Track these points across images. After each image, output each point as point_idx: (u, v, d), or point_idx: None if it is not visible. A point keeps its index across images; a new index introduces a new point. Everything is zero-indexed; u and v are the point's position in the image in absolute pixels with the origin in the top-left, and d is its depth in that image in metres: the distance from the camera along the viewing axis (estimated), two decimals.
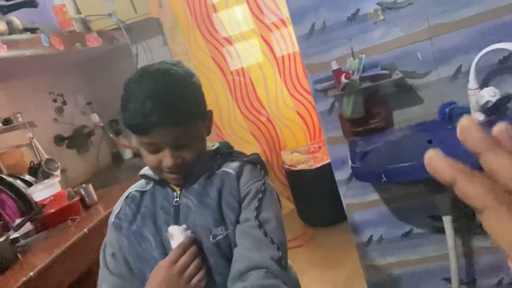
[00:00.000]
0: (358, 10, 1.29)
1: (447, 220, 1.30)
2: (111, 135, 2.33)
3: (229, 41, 2.74)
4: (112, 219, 0.91)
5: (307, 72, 1.40)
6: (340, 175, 1.50)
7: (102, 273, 0.89)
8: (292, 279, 0.92)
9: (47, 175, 1.76)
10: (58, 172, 1.79)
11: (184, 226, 0.80)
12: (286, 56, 2.77)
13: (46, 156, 1.81)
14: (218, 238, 0.80)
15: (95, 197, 1.75)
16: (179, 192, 0.86)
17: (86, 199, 1.70)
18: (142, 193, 0.91)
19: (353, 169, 1.24)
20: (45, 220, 1.52)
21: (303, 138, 2.93)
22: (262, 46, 2.75)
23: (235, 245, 0.80)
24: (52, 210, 1.53)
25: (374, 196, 1.50)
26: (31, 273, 1.19)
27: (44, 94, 2.16)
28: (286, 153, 2.87)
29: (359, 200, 1.51)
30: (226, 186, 0.83)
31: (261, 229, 0.78)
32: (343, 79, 1.24)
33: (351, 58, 1.28)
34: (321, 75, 1.38)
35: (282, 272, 0.77)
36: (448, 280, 1.50)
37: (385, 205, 1.50)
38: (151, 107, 0.74)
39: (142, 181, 0.94)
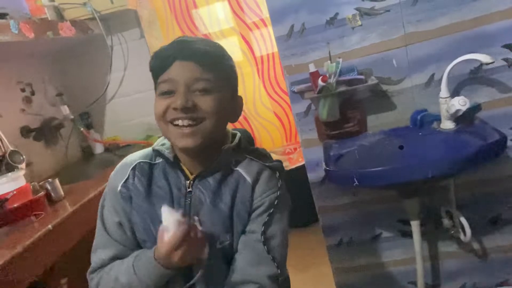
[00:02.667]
0: (337, 14, 1.30)
1: (415, 225, 1.33)
2: (81, 129, 2.25)
3: (208, 37, 2.71)
4: (118, 186, 0.84)
5: (285, 74, 1.40)
6: (314, 177, 1.51)
7: (103, 238, 0.85)
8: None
9: (11, 168, 1.68)
10: (23, 165, 1.71)
11: (179, 212, 0.73)
12: (265, 56, 2.77)
13: (11, 148, 1.73)
14: (224, 244, 0.79)
15: (62, 193, 1.68)
16: (192, 181, 0.81)
17: (52, 194, 1.63)
18: (151, 165, 0.85)
19: (326, 172, 1.24)
20: (7, 215, 1.45)
21: (279, 138, 2.94)
22: (242, 45, 2.74)
23: (236, 251, 0.79)
24: (15, 205, 1.46)
25: (346, 199, 1.51)
26: None
27: (12, 83, 2.06)
28: None
29: (331, 203, 1.53)
30: (240, 192, 0.79)
31: (265, 245, 0.77)
32: (320, 82, 1.24)
33: (329, 61, 1.29)
34: (298, 77, 1.38)
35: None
36: (414, 283, 1.53)
37: (356, 209, 1.52)
38: (184, 44, 0.76)
39: (148, 151, 0.87)
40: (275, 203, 0.79)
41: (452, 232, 1.42)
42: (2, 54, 1.86)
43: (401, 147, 1.32)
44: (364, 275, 1.59)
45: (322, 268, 2.05)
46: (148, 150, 0.88)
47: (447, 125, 1.27)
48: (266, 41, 2.73)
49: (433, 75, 1.31)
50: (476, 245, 1.48)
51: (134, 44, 2.31)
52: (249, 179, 0.79)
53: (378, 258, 1.56)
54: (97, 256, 0.85)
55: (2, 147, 1.72)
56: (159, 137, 0.90)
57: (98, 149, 2.37)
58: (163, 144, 0.86)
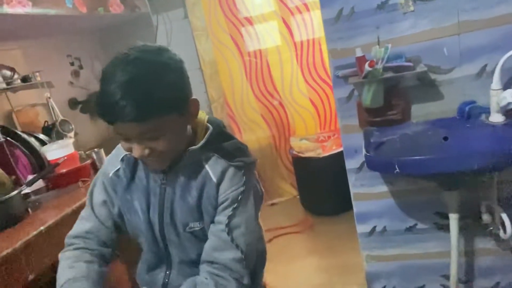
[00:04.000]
0: None
1: (453, 218, 1.31)
2: None
3: (249, 21, 2.72)
4: (110, 173, 0.94)
5: (330, 57, 1.39)
6: (351, 164, 1.51)
7: (87, 212, 0.96)
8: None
9: (60, 136, 1.78)
10: (71, 134, 1.81)
11: None
12: (305, 41, 2.75)
13: (61, 117, 1.82)
14: (193, 229, 0.88)
15: None
16: (165, 175, 0.89)
17: (97, 163, 1.72)
18: (136, 158, 0.91)
19: (366, 158, 1.24)
20: (57, 179, 1.54)
21: (314, 126, 2.93)
22: (282, 29, 2.72)
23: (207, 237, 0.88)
24: (64, 170, 1.55)
25: (382, 188, 1.50)
26: (42, 228, 1.22)
27: (62, 56, 2.16)
28: (295, 139, 2.87)
29: (367, 191, 1.52)
30: (206, 190, 0.86)
31: (229, 235, 0.85)
32: (366, 67, 1.23)
33: (377, 46, 1.27)
34: (342, 62, 1.38)
35: (241, 270, 0.85)
36: (446, 277, 1.52)
37: (392, 198, 1.51)
38: (116, 100, 0.71)
39: None
40: (239, 198, 0.85)
41: (491, 228, 1.39)
42: (56, 27, 1.94)
43: (445, 138, 1.29)
44: (395, 265, 1.59)
45: (351, 257, 2.06)
46: None
47: (497, 118, 1.23)
48: (308, 26, 2.70)
49: (485, 66, 1.27)
50: None
51: (178, 24, 2.36)
52: (214, 178, 0.85)
53: (411, 249, 1.55)
54: (78, 225, 0.97)
55: (53, 116, 1.82)
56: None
57: None
58: None
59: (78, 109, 2.18)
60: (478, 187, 1.37)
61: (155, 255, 0.95)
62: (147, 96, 0.73)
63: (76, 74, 2.21)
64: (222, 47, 2.74)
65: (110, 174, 0.94)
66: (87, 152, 1.74)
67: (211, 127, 0.89)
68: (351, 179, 1.53)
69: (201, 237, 0.89)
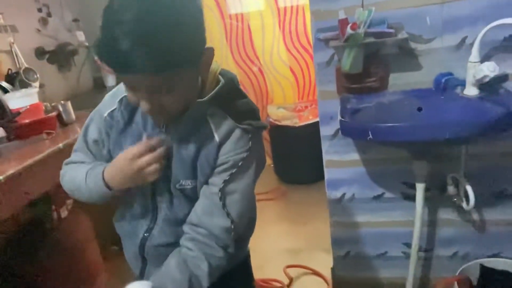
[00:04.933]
0: None
1: (420, 187, 1.34)
2: (96, 58, 2.22)
3: None
4: (105, 113, 0.87)
5: (312, 19, 1.35)
6: (326, 131, 1.50)
7: (82, 145, 0.92)
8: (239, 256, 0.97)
9: (24, 85, 1.68)
10: (36, 84, 1.71)
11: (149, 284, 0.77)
12: (288, 8, 2.67)
13: (26, 65, 1.72)
14: (184, 187, 0.82)
15: (73, 116, 1.69)
16: (165, 125, 0.82)
17: (64, 116, 1.65)
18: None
19: (341, 123, 1.23)
20: (19, 129, 1.47)
21: (292, 95, 2.91)
22: None
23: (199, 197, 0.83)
24: (27, 121, 1.47)
25: (354, 156, 1.51)
26: (0, 177, 1.16)
27: (29, 1, 2.01)
28: (272, 107, 2.85)
29: (339, 158, 1.53)
30: (205, 148, 0.79)
31: (221, 200, 0.79)
32: (348, 30, 1.20)
33: (361, 8, 1.24)
34: (325, 24, 1.34)
35: (227, 240, 0.80)
36: (408, 245, 1.57)
37: (363, 166, 1.52)
38: (128, 46, 0.61)
39: None
40: (239, 164, 0.78)
41: (455, 199, 1.43)
42: None
43: (419, 109, 1.30)
44: (361, 231, 1.63)
45: (320, 224, 2.10)
46: None
47: (471, 91, 1.24)
48: None
49: (465, 37, 1.27)
50: (475, 216, 1.50)
51: None
52: (217, 137, 0.78)
53: (377, 217, 1.59)
54: (76, 155, 0.93)
55: (17, 63, 1.71)
56: None
57: (110, 81, 2.35)
58: None
59: (46, 59, 2.06)
60: (446, 159, 1.40)
61: (141, 206, 0.89)
62: (165, 46, 0.63)
63: (44, 21, 2.07)
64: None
65: (105, 114, 0.87)
66: (52, 104, 1.65)
67: (222, 80, 0.81)
68: (325, 145, 1.53)
69: (192, 196, 0.82)
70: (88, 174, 0.85)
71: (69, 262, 1.54)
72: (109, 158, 0.88)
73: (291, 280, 1.87)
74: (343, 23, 1.24)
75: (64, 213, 1.60)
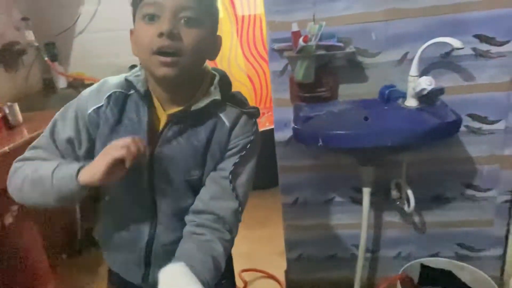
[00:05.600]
0: None
1: (366, 192, 1.43)
2: (45, 58, 2.14)
3: None
4: (89, 109, 0.83)
5: (268, 29, 1.40)
6: (280, 137, 1.56)
7: (44, 141, 0.84)
8: None
9: None
10: None
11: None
12: (246, 16, 2.73)
13: None
14: (192, 178, 0.83)
15: (20, 118, 1.62)
16: (165, 120, 0.82)
17: (10, 118, 1.57)
18: (126, 96, 0.84)
19: (294, 130, 1.29)
20: None
21: (249, 102, 2.95)
22: (225, 1, 2.67)
23: (204, 185, 0.84)
24: None
25: (307, 162, 1.58)
26: None
27: None
28: None
29: (293, 163, 1.59)
30: (216, 136, 0.82)
31: (231, 183, 0.82)
32: (300, 42, 1.26)
33: (312, 22, 1.31)
34: (279, 35, 1.40)
35: (233, 222, 0.83)
36: (356, 246, 1.65)
37: (315, 172, 1.59)
38: None
39: (122, 80, 0.86)
40: (248, 146, 0.83)
41: (398, 203, 1.54)
42: None
43: (366, 118, 1.39)
44: (313, 234, 1.70)
45: (275, 228, 2.15)
46: (121, 78, 0.87)
47: (411, 102, 1.35)
48: (250, 1, 2.68)
49: (406, 53, 1.38)
50: (416, 218, 1.62)
51: None
52: (227, 123, 0.82)
53: (328, 220, 1.66)
54: (35, 152, 0.83)
55: None
56: None
57: (61, 83, 2.27)
58: (137, 75, 0.85)
59: None
60: (390, 165, 1.50)
61: (140, 208, 0.86)
62: None
63: None
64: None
65: (89, 111, 0.83)
66: None
67: (217, 74, 0.86)
68: (279, 151, 1.58)
69: (197, 188, 0.84)
70: (57, 169, 0.77)
71: (14, 271, 1.47)
72: (87, 157, 0.83)
73: (245, 284, 1.90)
74: (296, 35, 1.30)
75: (8, 220, 1.52)
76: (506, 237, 1.60)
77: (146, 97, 0.82)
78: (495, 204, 1.55)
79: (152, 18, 0.74)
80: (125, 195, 0.86)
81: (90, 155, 0.84)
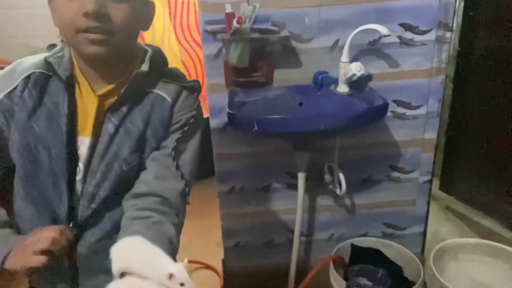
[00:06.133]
0: None
1: (301, 177, 1.45)
2: None
3: None
4: None
5: (200, 10, 1.34)
6: (215, 123, 1.51)
7: None
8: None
9: None
10: None
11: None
12: (180, 1, 2.62)
13: None
14: (131, 165, 0.76)
15: None
16: (96, 104, 0.75)
17: None
18: (47, 77, 0.75)
19: (228, 115, 1.26)
20: None
21: None
22: None
23: (145, 168, 0.78)
24: None
25: (243, 149, 1.56)
26: None
27: None
28: None
29: (229, 151, 1.56)
30: (157, 113, 0.77)
31: (174, 161, 0.77)
32: (234, 23, 1.22)
33: (246, 3, 1.27)
34: (213, 17, 1.34)
35: (180, 204, 0.78)
36: (292, 231, 1.68)
37: (251, 158, 1.58)
38: None
39: (41, 61, 0.76)
40: (190, 121, 0.80)
41: (331, 186, 1.58)
42: None
43: (300, 104, 1.40)
44: (249, 221, 1.69)
45: (213, 218, 2.11)
46: (41, 58, 0.77)
47: (343, 88, 1.39)
48: None
49: (338, 40, 1.40)
50: (347, 201, 1.68)
51: None
52: (169, 98, 0.78)
53: (264, 206, 1.67)
54: None
55: None
56: None
57: None
58: (59, 56, 0.76)
59: None
60: (323, 150, 1.54)
61: (58, 202, 0.76)
62: None
63: None
64: None
65: (1, 96, 0.74)
66: None
67: (150, 50, 0.79)
68: (215, 138, 1.54)
69: (135, 173, 0.77)
70: None
71: None
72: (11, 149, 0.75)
73: None
74: (230, 16, 1.26)
75: None
76: (427, 216, 1.74)
77: (69, 82, 0.74)
78: (417, 185, 1.67)
79: None
80: (49, 191, 0.76)
81: (3, 148, 0.76)
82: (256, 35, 1.30)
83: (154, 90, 0.78)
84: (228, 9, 1.27)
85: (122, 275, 0.61)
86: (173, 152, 0.77)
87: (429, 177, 1.65)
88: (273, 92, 1.43)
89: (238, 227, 1.70)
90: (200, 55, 2.75)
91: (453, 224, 2.19)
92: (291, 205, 1.63)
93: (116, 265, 0.61)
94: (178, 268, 0.57)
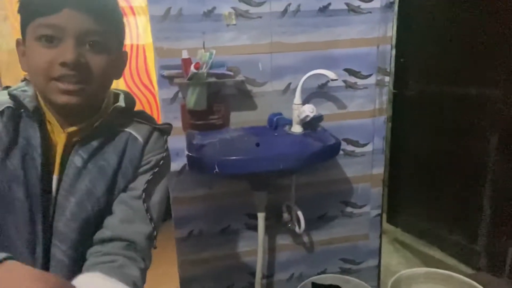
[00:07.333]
0: (214, 8, 1.35)
1: (260, 217, 1.45)
2: None
3: None
4: None
5: (155, 56, 1.36)
6: (173, 167, 1.48)
7: None
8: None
9: None
10: None
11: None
12: (128, 46, 2.62)
13: None
14: (100, 207, 0.73)
15: None
16: (64, 140, 0.72)
17: None
18: (18, 112, 0.71)
19: (188, 158, 1.25)
20: None
21: None
22: None
23: (110, 212, 0.74)
24: None
25: (201, 192, 1.54)
26: None
27: None
28: None
29: (186, 194, 1.53)
30: (128, 152, 0.75)
31: (144, 203, 0.75)
32: (192, 69, 1.25)
33: (203, 50, 1.32)
34: (168, 62, 1.37)
35: (147, 249, 0.75)
36: (253, 274, 1.65)
37: (210, 201, 1.56)
38: None
39: (3, 96, 0.72)
40: (160, 163, 0.79)
41: (289, 225, 1.60)
42: None
43: (257, 144, 1.43)
44: (209, 267, 1.63)
45: (169, 265, 2.01)
46: (5, 94, 0.73)
47: (297, 128, 1.45)
48: (132, 31, 2.60)
49: (290, 83, 1.49)
50: (306, 238, 1.71)
51: None
52: (140, 139, 0.78)
53: (224, 250, 1.63)
54: None
55: None
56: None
57: None
58: (24, 90, 0.73)
59: None
60: (281, 189, 1.57)
61: (27, 244, 0.70)
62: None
63: None
64: None
65: None
66: None
67: (121, 93, 0.81)
68: (172, 183, 1.51)
69: (101, 218, 0.74)
70: None
71: None
72: None
73: None
74: (187, 62, 1.29)
75: None
76: (379, 249, 1.81)
77: (36, 114, 0.71)
78: (369, 219, 1.74)
79: (50, 40, 0.65)
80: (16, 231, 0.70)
81: None
82: (213, 79, 1.34)
83: (127, 129, 0.78)
84: (185, 55, 1.30)
85: None
86: (143, 194, 0.75)
87: (379, 211, 1.74)
88: (230, 133, 1.45)
89: (197, 274, 1.63)
90: (149, 99, 2.73)
91: (401, 255, 2.29)
92: (251, 247, 1.62)
93: None
94: None
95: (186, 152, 1.26)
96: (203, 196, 1.54)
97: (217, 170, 1.19)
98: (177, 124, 1.44)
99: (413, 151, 2.37)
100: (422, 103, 2.25)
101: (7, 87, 0.76)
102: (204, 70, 1.28)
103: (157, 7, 1.32)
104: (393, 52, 2.29)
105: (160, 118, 1.45)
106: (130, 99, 0.82)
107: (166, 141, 0.83)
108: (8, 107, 0.71)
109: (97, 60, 0.68)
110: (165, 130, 0.83)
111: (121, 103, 0.78)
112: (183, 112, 1.42)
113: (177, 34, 1.35)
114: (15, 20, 2.24)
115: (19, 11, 0.67)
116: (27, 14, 0.66)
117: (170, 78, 1.37)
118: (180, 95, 1.41)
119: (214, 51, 1.29)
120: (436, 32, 2.10)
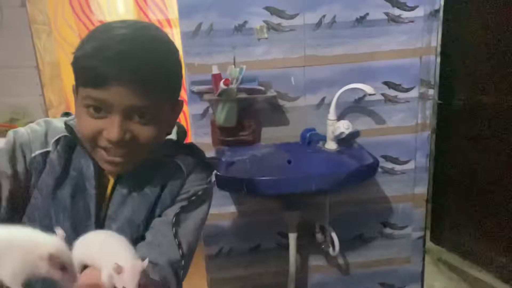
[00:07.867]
0: (245, 22, 1.31)
1: (292, 237, 1.39)
2: None
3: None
4: (34, 151, 0.69)
5: (186, 72, 1.34)
6: None
7: None
8: None
9: None
10: None
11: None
12: None
13: None
14: (140, 234, 0.71)
15: None
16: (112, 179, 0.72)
17: None
18: (73, 143, 0.71)
19: (216, 177, 1.21)
20: None
21: None
22: None
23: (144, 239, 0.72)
24: None
25: (231, 209, 1.50)
26: None
27: None
28: None
29: (216, 211, 1.49)
30: (172, 182, 0.74)
31: (173, 228, 0.71)
32: (221, 85, 1.22)
33: (233, 66, 1.28)
34: (199, 77, 1.34)
35: (172, 276, 0.69)
36: None
37: (240, 218, 1.51)
38: (120, 52, 0.59)
39: (60, 124, 0.73)
40: (199, 193, 0.76)
41: (323, 246, 1.52)
42: None
43: (289, 162, 1.37)
44: (239, 286, 1.58)
45: (196, 281, 1.98)
46: (62, 122, 0.74)
47: (331, 145, 1.37)
48: None
49: (324, 98, 1.42)
50: (341, 260, 1.61)
51: (12, 11, 1.98)
52: (184, 169, 0.76)
53: (255, 269, 1.57)
54: None
55: None
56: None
57: None
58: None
59: None
60: (314, 208, 1.49)
61: None
62: (157, 63, 0.62)
63: None
64: (69, 48, 2.41)
65: (35, 153, 0.69)
66: None
67: (176, 127, 0.81)
68: None
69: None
70: None
71: None
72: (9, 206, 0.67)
73: None
74: (217, 78, 1.26)
75: None
76: (422, 273, 1.67)
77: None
78: (410, 241, 1.62)
79: (97, 110, 0.63)
80: None
81: (14, 205, 0.68)
82: (243, 95, 1.30)
83: (175, 160, 0.76)
84: (215, 70, 1.27)
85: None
86: (174, 218, 0.72)
87: (422, 233, 1.61)
88: (261, 150, 1.40)
89: None
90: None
91: (447, 277, 2.12)
92: (282, 267, 1.55)
93: (75, 257, 0.55)
94: None
95: (215, 172, 1.22)
96: (233, 213, 1.50)
97: (245, 191, 1.14)
98: (207, 140, 1.41)
99: (459, 165, 2.19)
100: (470, 114, 2.08)
101: (66, 114, 0.77)
102: (234, 85, 1.25)
103: (188, 22, 1.30)
104: (438, 59, 2.14)
105: (189, 134, 1.43)
106: (182, 132, 0.82)
107: (210, 175, 0.80)
108: (65, 136, 0.71)
109: (146, 132, 0.65)
110: (210, 165, 0.81)
111: (173, 136, 0.78)
112: (213, 128, 1.39)
113: (208, 49, 1.32)
114: (58, 35, 2.33)
115: (72, 66, 0.66)
116: (78, 77, 0.65)
117: (200, 94, 1.35)
118: (210, 110, 1.39)
119: (244, 67, 1.25)
120: (488, 37, 1.94)
